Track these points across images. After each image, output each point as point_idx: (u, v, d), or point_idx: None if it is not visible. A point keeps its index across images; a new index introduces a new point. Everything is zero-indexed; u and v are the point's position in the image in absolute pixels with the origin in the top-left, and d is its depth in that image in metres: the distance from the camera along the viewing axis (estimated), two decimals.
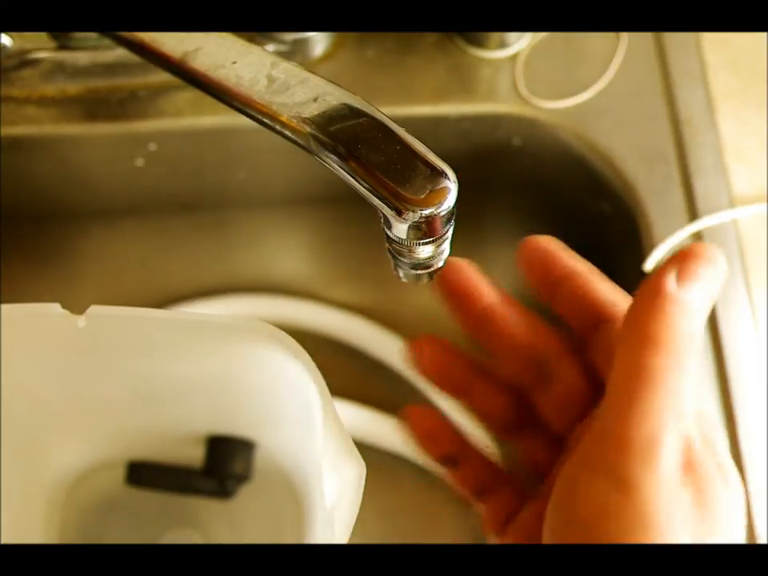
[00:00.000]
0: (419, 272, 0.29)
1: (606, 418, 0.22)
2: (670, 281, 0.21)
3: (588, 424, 0.25)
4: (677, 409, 0.21)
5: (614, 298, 0.26)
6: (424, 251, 0.27)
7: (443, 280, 0.27)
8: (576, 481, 0.22)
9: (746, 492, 0.37)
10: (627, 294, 0.26)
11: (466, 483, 0.28)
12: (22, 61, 0.44)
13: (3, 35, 0.43)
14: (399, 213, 0.24)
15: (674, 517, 0.21)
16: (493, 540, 0.27)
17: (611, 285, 0.26)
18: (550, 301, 0.27)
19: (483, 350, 0.27)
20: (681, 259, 0.22)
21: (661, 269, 0.22)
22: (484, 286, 0.27)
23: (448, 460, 0.28)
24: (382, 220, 0.26)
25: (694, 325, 0.21)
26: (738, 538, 0.22)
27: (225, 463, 0.42)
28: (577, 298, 0.26)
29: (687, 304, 0.21)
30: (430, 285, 0.27)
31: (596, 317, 0.26)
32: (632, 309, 0.22)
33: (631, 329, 0.22)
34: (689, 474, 0.21)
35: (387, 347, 0.53)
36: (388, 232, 0.26)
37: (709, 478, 0.22)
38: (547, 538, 0.23)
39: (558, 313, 0.27)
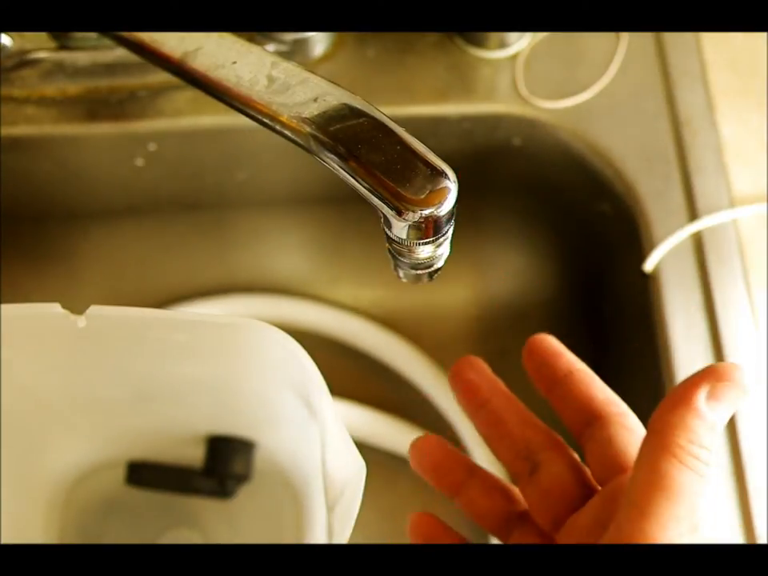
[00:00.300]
0: (419, 272, 0.29)
1: (625, 523, 0.22)
2: (701, 398, 0.22)
3: (575, 521, 0.26)
4: (692, 519, 0.22)
5: (606, 397, 0.28)
6: (424, 251, 0.27)
7: (457, 377, 0.30)
8: None
9: (746, 492, 0.37)
10: (617, 396, 0.28)
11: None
12: (22, 61, 0.44)
13: (3, 35, 0.43)
14: (399, 213, 0.24)
15: None
16: None
17: (604, 385, 0.28)
18: (548, 395, 0.29)
19: (482, 436, 0.30)
20: (714, 378, 0.22)
21: (692, 383, 0.23)
22: (489, 380, 0.30)
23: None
24: (382, 220, 0.26)
25: (714, 439, 0.22)
26: None
27: (225, 463, 0.42)
28: (573, 396, 0.28)
29: (713, 423, 0.22)
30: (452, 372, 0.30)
31: (589, 414, 0.27)
32: (658, 415, 0.23)
33: (655, 435, 0.23)
34: None
35: (387, 347, 0.53)
36: (388, 232, 0.26)
37: None
38: None
39: (555, 408, 0.29)
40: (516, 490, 0.29)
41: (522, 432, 0.28)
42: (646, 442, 0.23)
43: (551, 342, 0.29)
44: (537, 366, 0.29)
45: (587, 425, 0.27)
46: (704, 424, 0.22)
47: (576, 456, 0.28)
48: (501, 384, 0.30)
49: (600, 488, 0.26)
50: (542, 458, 0.27)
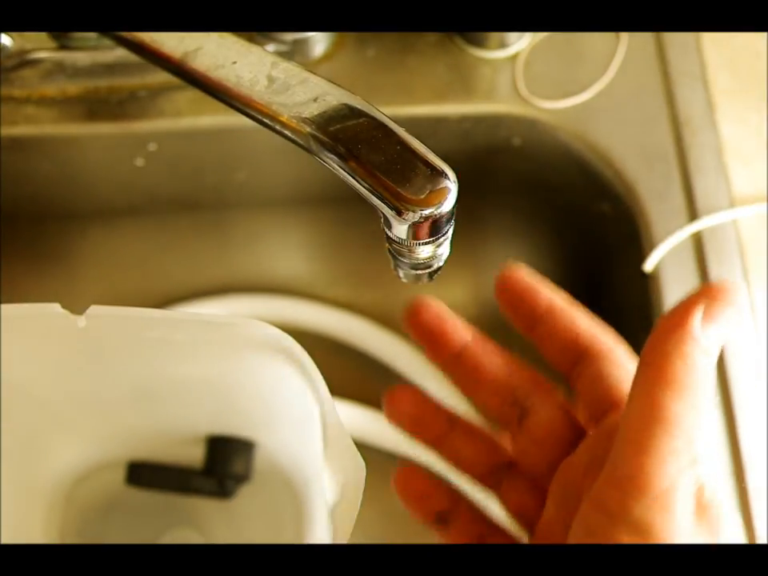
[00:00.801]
0: (419, 272, 0.29)
1: (622, 461, 0.21)
2: (696, 321, 0.21)
3: (569, 464, 0.25)
4: (692, 452, 0.21)
5: (594, 332, 0.26)
6: (424, 251, 0.27)
7: (413, 321, 0.27)
8: (592, 525, 0.22)
9: (746, 492, 0.37)
10: (605, 326, 0.26)
11: (460, 540, 0.27)
12: (22, 61, 0.44)
13: (3, 35, 0.43)
14: (399, 213, 0.24)
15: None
16: None
17: (590, 318, 0.26)
18: (529, 335, 0.27)
19: (459, 389, 0.27)
20: (708, 298, 0.21)
21: (685, 305, 0.21)
22: (456, 326, 0.27)
23: (439, 520, 0.28)
24: (382, 220, 0.26)
25: (711, 368, 0.21)
26: None
27: (224, 463, 0.42)
28: (557, 333, 0.26)
29: (709, 347, 0.21)
30: (406, 316, 0.27)
31: (576, 352, 0.26)
32: (651, 345, 0.22)
33: (650, 368, 0.22)
34: (702, 517, 0.22)
35: (387, 347, 0.53)
36: (388, 232, 0.26)
37: (719, 518, 0.22)
38: None
39: (537, 347, 0.27)
40: (501, 439, 0.27)
41: (507, 377, 0.26)
42: (639, 374, 0.22)
43: (525, 276, 0.27)
44: (513, 304, 0.27)
45: (574, 363, 0.26)
46: (700, 350, 0.21)
47: (564, 398, 0.26)
48: (469, 328, 0.27)
49: (592, 428, 0.25)
50: (530, 403, 0.26)
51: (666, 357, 0.21)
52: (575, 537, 0.23)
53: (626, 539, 0.21)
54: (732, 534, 0.23)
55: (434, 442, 0.27)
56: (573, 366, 0.26)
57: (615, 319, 0.51)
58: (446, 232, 0.26)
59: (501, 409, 0.26)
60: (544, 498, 0.26)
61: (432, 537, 0.52)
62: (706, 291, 0.21)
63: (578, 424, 0.26)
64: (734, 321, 0.21)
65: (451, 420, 0.27)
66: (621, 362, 0.25)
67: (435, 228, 0.25)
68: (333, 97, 0.25)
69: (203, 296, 0.54)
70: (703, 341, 0.21)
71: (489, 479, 0.27)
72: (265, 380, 0.34)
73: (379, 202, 0.25)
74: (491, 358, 0.26)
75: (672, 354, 0.21)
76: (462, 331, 0.27)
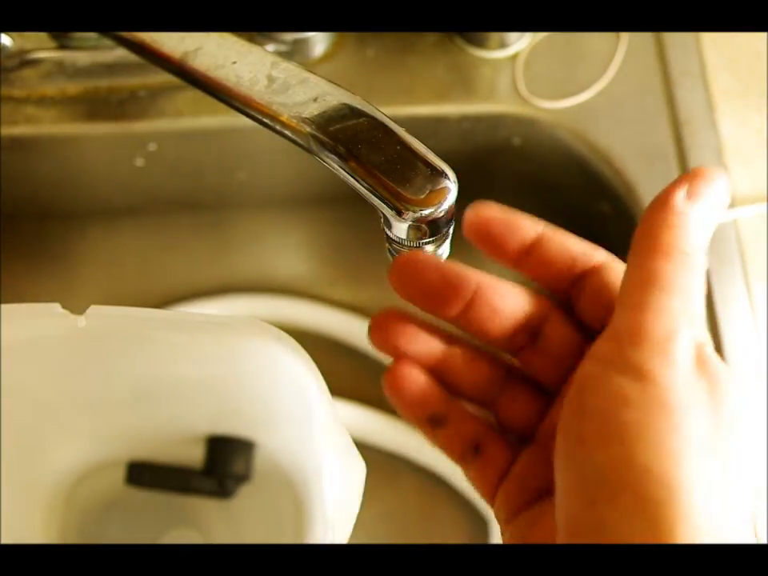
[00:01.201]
0: None
1: (619, 318, 0.22)
2: (679, 196, 0.23)
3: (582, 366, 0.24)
4: (689, 311, 0.22)
5: (585, 249, 0.26)
6: (424, 251, 0.27)
7: (405, 279, 0.25)
8: (591, 378, 0.22)
9: None
10: (594, 245, 0.27)
11: (454, 444, 0.26)
12: (22, 61, 0.44)
13: (3, 35, 0.43)
14: (399, 213, 0.24)
15: (691, 405, 0.21)
16: (488, 502, 0.27)
17: (575, 238, 0.26)
18: (518, 267, 0.26)
19: (471, 328, 0.26)
20: (690, 178, 0.23)
21: (671, 186, 0.23)
22: (458, 272, 0.25)
23: (433, 421, 0.26)
24: (382, 220, 0.26)
25: (700, 236, 0.23)
26: (747, 435, 0.23)
27: (224, 463, 0.42)
28: (550, 259, 0.26)
29: (694, 218, 0.23)
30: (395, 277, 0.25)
31: (573, 272, 0.26)
32: (642, 222, 0.23)
33: (641, 240, 0.23)
34: (702, 370, 0.22)
35: None
36: (388, 232, 0.26)
37: (720, 375, 0.22)
38: (561, 438, 0.22)
39: (530, 277, 0.26)
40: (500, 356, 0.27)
41: (521, 306, 0.25)
42: (633, 251, 0.23)
43: (499, 212, 0.26)
44: (495, 242, 0.25)
45: (573, 283, 0.26)
46: (688, 221, 0.22)
47: (572, 313, 0.26)
48: (471, 271, 0.25)
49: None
50: (543, 325, 0.26)
51: (655, 228, 0.23)
52: (572, 392, 0.22)
53: (625, 383, 0.21)
54: (737, 391, 0.22)
55: (429, 361, 0.26)
56: (572, 285, 0.26)
57: None
58: (446, 232, 0.26)
59: (513, 337, 0.26)
60: (546, 407, 0.26)
61: (432, 537, 0.52)
62: (688, 174, 0.23)
63: (588, 336, 0.26)
64: (717, 197, 0.23)
65: (446, 337, 0.26)
66: (618, 271, 0.26)
67: (435, 228, 0.25)
68: (333, 97, 0.25)
69: (203, 296, 0.54)
70: (689, 214, 0.23)
71: (487, 392, 0.27)
72: (265, 380, 0.34)
73: (379, 202, 0.25)
74: (501, 294, 0.25)
75: (660, 226, 0.22)
76: (470, 276, 0.25)
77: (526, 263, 0.26)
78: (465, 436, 0.26)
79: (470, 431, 0.26)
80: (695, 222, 0.23)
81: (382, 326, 0.25)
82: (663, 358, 0.21)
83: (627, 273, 0.23)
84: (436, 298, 0.25)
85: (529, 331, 0.26)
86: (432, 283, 0.25)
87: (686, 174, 0.23)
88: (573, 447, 0.22)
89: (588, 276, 0.26)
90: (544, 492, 0.24)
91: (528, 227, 0.26)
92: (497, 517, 0.26)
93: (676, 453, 0.20)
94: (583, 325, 0.26)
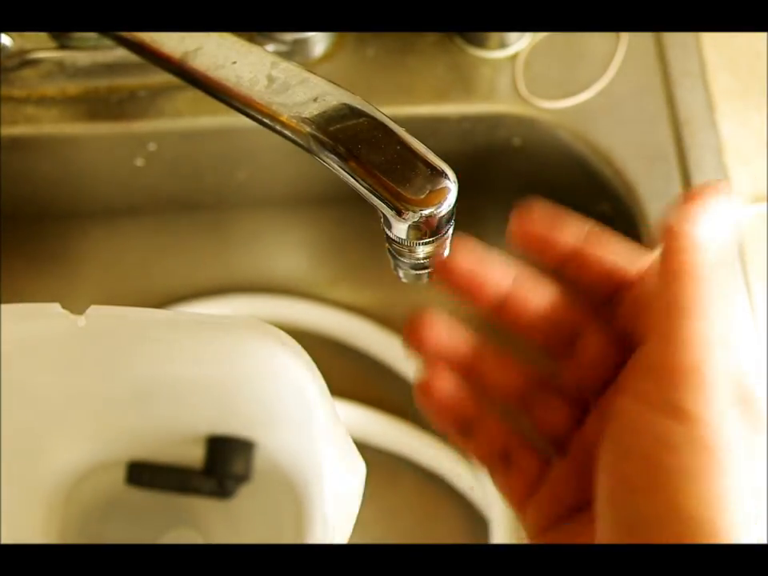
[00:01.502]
0: (419, 272, 0.29)
1: (651, 352, 0.22)
2: (683, 218, 0.23)
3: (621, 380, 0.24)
4: (717, 336, 0.21)
5: (629, 255, 0.26)
6: (424, 251, 0.27)
7: (448, 270, 0.25)
8: (632, 417, 0.22)
9: None
10: (640, 246, 0.26)
11: (483, 452, 0.26)
12: (22, 61, 0.44)
13: (3, 35, 0.43)
14: (399, 213, 0.24)
15: (734, 444, 0.21)
16: (517, 512, 0.26)
17: (622, 242, 0.26)
18: (560, 271, 0.26)
19: (507, 330, 0.26)
20: (693, 197, 0.23)
21: (674, 208, 0.23)
22: (497, 266, 0.26)
23: (463, 428, 0.26)
24: (382, 220, 0.26)
25: (708, 256, 0.22)
26: None
27: (224, 463, 0.42)
28: (592, 265, 0.26)
29: (701, 238, 0.22)
30: (435, 274, 0.26)
31: (615, 279, 0.26)
32: (660, 253, 0.23)
33: (660, 266, 0.23)
34: (744, 406, 0.22)
35: (387, 347, 0.53)
36: (388, 232, 0.26)
37: (760, 410, 0.22)
38: (603, 477, 0.22)
39: (571, 281, 0.26)
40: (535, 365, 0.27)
41: (557, 311, 0.25)
42: (658, 277, 0.23)
43: (543, 216, 0.26)
44: (539, 246, 0.26)
45: (614, 289, 0.26)
46: (694, 243, 0.22)
47: (610, 321, 0.26)
48: (509, 264, 0.26)
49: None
50: (580, 330, 0.25)
51: (667, 254, 0.23)
52: (612, 428, 0.22)
53: (666, 424, 0.21)
54: None
55: (463, 369, 0.26)
56: (613, 291, 0.26)
57: None
58: (446, 232, 0.26)
59: (549, 342, 0.26)
60: (580, 416, 0.26)
61: (431, 537, 0.52)
62: (690, 193, 0.23)
63: (627, 344, 0.25)
64: (722, 214, 0.23)
65: (479, 341, 0.26)
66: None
67: (435, 228, 0.25)
68: (333, 97, 0.25)
69: (203, 296, 0.54)
70: (695, 235, 0.22)
71: (520, 397, 0.26)
72: (265, 380, 0.34)
73: (379, 202, 0.25)
74: (539, 296, 0.26)
75: (669, 252, 0.23)
76: (504, 272, 0.26)
77: (568, 267, 0.26)
78: (495, 444, 0.26)
79: (500, 440, 0.26)
80: (702, 243, 0.22)
81: (417, 326, 0.26)
82: (702, 396, 0.21)
83: (654, 301, 0.23)
84: (475, 284, 0.25)
85: (565, 334, 0.26)
86: (471, 269, 0.25)
87: (689, 192, 0.23)
88: (616, 488, 0.22)
89: (630, 283, 0.25)
90: (583, 505, 0.24)
91: (572, 231, 0.26)
92: (525, 527, 0.26)
93: (720, 498, 0.20)
94: (622, 333, 0.26)
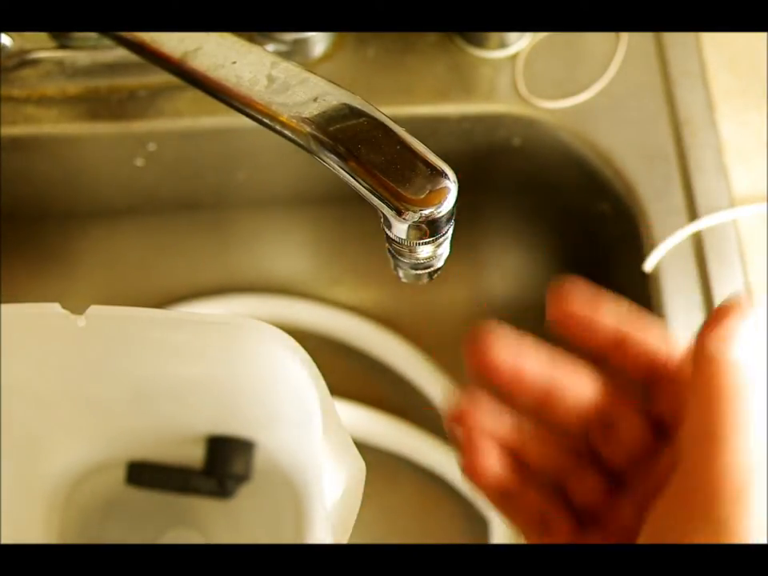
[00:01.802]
0: (419, 272, 0.29)
1: (688, 478, 0.22)
2: (707, 344, 0.23)
3: (655, 462, 0.25)
4: (756, 462, 0.22)
5: (665, 347, 0.26)
6: (424, 251, 0.27)
7: (490, 370, 0.25)
8: (670, 523, 0.22)
9: None
10: (679, 342, 0.26)
11: (521, 516, 0.27)
12: (22, 61, 0.44)
13: (3, 35, 0.43)
14: (399, 213, 0.24)
15: None
16: None
17: (658, 329, 0.26)
18: (600, 354, 0.26)
19: (540, 419, 0.27)
20: (718, 319, 0.23)
21: (700, 331, 0.23)
22: (535, 361, 0.26)
23: (504, 496, 0.27)
24: (382, 220, 0.26)
25: (742, 377, 0.22)
26: None
27: (224, 463, 0.42)
28: (633, 350, 0.26)
29: (733, 361, 0.22)
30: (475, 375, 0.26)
31: (656, 364, 0.26)
32: (691, 373, 0.23)
33: (690, 390, 0.23)
34: None
35: (387, 347, 0.53)
36: (388, 232, 0.26)
37: None
38: None
39: (612, 364, 0.26)
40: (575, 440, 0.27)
41: (591, 398, 0.26)
42: (688, 398, 0.23)
43: (580, 301, 0.25)
44: (582, 330, 0.26)
45: (650, 379, 0.26)
46: (723, 366, 0.22)
47: (648, 406, 0.26)
48: (540, 351, 0.26)
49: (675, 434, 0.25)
50: (617, 417, 0.26)
51: (696, 380, 0.23)
52: (649, 533, 0.23)
53: (705, 536, 0.21)
54: None
55: (503, 444, 0.27)
56: (651, 375, 0.26)
57: None
58: (446, 232, 0.26)
59: (585, 426, 0.26)
60: (615, 492, 0.26)
61: (432, 537, 0.52)
62: (715, 315, 0.23)
63: (663, 427, 0.26)
64: (750, 331, 0.23)
65: (518, 421, 0.27)
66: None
67: (435, 228, 0.25)
68: (333, 97, 0.25)
69: (203, 296, 0.54)
70: (723, 358, 0.22)
71: (556, 471, 0.27)
72: (265, 380, 0.34)
73: (379, 202, 0.25)
74: (578, 387, 0.26)
75: (699, 377, 0.23)
76: (542, 366, 0.26)
77: (609, 351, 0.26)
78: (533, 512, 0.27)
79: (537, 505, 0.27)
80: (737, 365, 0.22)
81: (460, 405, 0.26)
82: (742, 511, 0.21)
83: (685, 424, 0.23)
84: (515, 382, 0.25)
85: (601, 421, 0.26)
86: (508, 371, 0.25)
87: (717, 311, 0.23)
88: None
89: (666, 374, 0.26)
90: None
91: (613, 313, 0.26)
92: None
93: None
94: (658, 416, 0.26)
